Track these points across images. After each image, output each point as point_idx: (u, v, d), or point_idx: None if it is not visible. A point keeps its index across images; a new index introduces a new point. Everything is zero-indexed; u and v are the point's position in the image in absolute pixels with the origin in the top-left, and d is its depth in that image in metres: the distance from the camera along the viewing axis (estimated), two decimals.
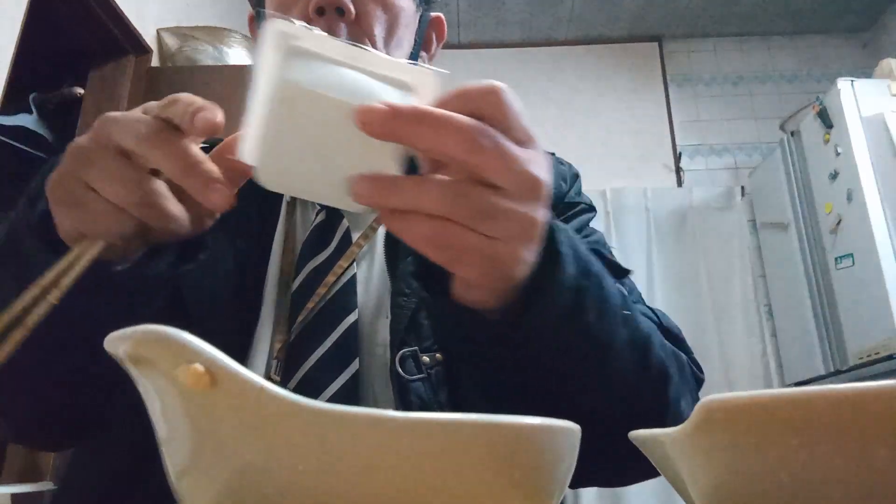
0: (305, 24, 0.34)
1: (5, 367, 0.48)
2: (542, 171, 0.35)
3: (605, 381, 0.45)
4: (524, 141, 0.35)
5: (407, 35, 0.66)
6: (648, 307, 0.60)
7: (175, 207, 0.39)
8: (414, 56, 0.68)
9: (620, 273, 0.59)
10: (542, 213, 0.36)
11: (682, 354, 0.57)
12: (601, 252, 0.60)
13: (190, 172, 0.36)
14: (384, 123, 0.31)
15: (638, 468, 0.54)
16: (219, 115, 0.36)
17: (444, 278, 0.40)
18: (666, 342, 0.54)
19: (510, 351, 0.41)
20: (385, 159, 0.34)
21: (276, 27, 0.33)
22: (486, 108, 0.34)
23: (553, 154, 0.78)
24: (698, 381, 0.58)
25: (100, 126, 0.38)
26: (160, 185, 0.38)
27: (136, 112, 0.38)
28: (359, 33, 0.61)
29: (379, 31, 0.62)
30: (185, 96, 0.37)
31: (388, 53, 0.62)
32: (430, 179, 0.33)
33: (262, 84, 0.34)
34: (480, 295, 0.38)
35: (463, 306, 0.40)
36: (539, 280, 0.39)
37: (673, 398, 0.49)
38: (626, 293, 0.48)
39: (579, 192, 0.75)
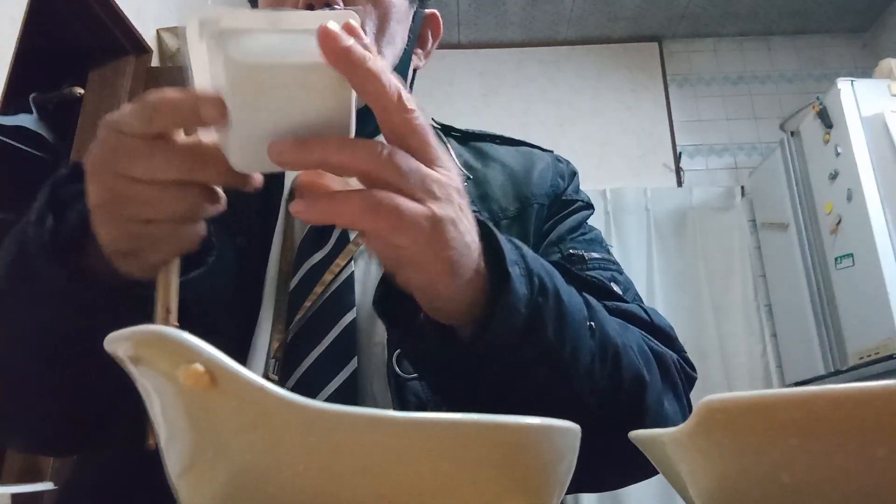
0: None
1: (16, 380, 0.49)
2: (455, 178, 0.37)
3: (574, 393, 0.45)
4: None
5: (399, 31, 0.65)
6: (640, 306, 0.60)
7: (215, 190, 0.39)
8: (408, 53, 0.68)
9: (586, 287, 0.60)
10: (463, 198, 0.38)
11: (672, 354, 0.57)
12: (565, 266, 0.61)
13: (239, 179, 0.37)
14: (343, 48, 0.32)
15: (624, 471, 0.55)
16: (213, 98, 0.34)
17: (406, 303, 0.41)
18: (650, 344, 0.54)
19: (474, 371, 0.42)
20: (341, 120, 0.35)
21: (194, 21, 0.34)
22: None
23: (551, 151, 0.78)
24: (689, 380, 0.58)
25: (105, 168, 0.36)
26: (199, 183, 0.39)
27: (121, 137, 0.35)
28: None
29: (370, 27, 0.61)
30: (157, 101, 0.35)
31: (379, 50, 0.62)
32: (358, 140, 0.34)
33: (204, 75, 0.34)
34: (426, 280, 0.38)
35: (429, 327, 0.41)
36: (491, 302, 0.39)
37: (651, 402, 0.49)
38: (593, 304, 0.48)
39: (577, 190, 0.75)
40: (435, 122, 0.80)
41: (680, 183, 3.51)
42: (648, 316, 0.59)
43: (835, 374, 2.66)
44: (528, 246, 0.65)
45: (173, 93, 0.35)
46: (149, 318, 0.43)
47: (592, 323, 0.46)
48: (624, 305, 0.58)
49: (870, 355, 2.45)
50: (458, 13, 3.61)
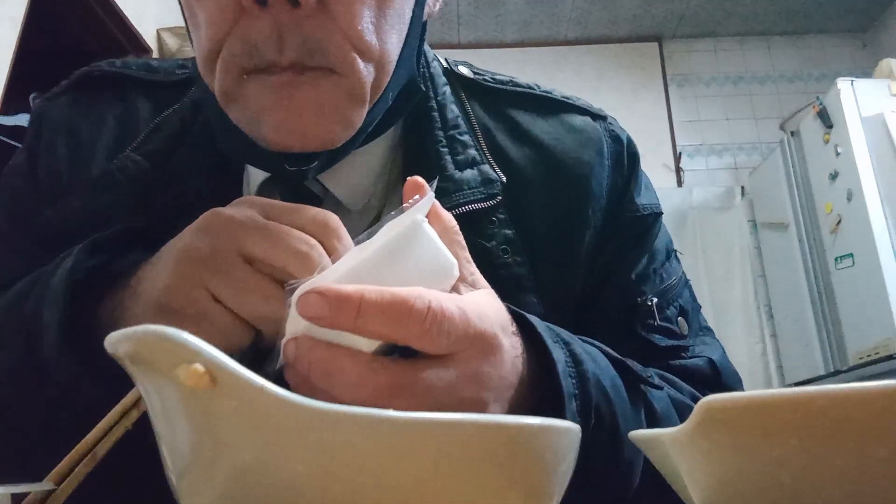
0: None
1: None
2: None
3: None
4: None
5: (404, 10, 0.45)
6: (707, 355, 0.54)
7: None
8: (417, 17, 0.47)
9: (651, 351, 0.52)
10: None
11: None
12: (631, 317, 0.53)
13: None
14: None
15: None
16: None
17: None
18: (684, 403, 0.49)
19: None
20: None
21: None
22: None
23: (604, 119, 0.58)
24: None
25: (219, 228, 0.35)
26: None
27: (249, 211, 0.36)
28: (330, 28, 0.39)
29: (365, 22, 0.41)
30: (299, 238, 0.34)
31: (379, 43, 0.43)
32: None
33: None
34: None
35: None
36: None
37: None
38: (655, 410, 0.44)
39: (640, 191, 0.55)
40: (447, 62, 0.58)
41: (680, 183, 3.52)
42: (713, 368, 0.53)
43: (835, 374, 2.67)
44: (577, 269, 0.52)
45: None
46: None
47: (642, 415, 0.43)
48: (689, 364, 0.53)
49: (870, 355, 2.45)
50: (458, 13, 3.61)
